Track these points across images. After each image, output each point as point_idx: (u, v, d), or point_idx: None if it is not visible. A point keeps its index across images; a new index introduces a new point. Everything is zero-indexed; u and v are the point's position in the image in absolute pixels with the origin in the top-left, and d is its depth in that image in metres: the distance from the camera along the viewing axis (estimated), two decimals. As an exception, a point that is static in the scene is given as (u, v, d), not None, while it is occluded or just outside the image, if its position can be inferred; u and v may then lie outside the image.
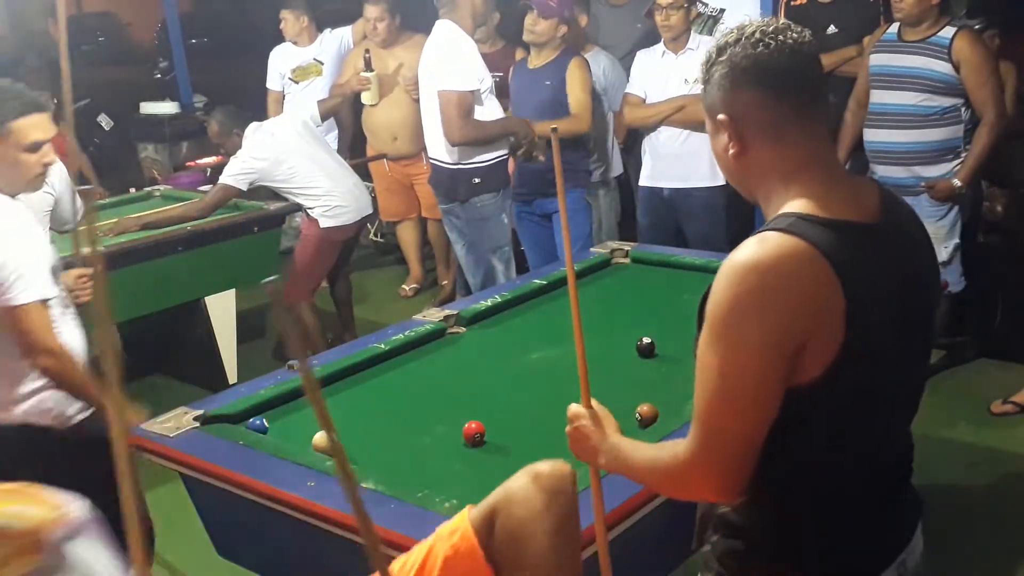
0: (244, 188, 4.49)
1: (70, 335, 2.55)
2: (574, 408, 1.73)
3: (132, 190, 5.63)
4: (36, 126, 2.54)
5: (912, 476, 1.64)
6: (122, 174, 6.73)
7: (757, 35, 1.49)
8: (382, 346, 2.88)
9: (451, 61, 4.04)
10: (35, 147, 2.54)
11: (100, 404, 2.39)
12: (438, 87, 4.07)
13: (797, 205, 1.45)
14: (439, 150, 4.25)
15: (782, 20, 1.56)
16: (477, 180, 4.20)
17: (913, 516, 1.64)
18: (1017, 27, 4.59)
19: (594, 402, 1.75)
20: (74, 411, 2.54)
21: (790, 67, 1.48)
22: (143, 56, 9.62)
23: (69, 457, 2.40)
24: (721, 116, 1.51)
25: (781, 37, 1.50)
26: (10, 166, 2.52)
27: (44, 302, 2.43)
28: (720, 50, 1.52)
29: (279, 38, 5.80)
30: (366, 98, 5.27)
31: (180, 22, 7.02)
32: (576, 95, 4.39)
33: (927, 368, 1.67)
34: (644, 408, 2.29)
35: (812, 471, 1.47)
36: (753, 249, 1.39)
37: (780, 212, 1.46)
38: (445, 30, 4.11)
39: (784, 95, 1.48)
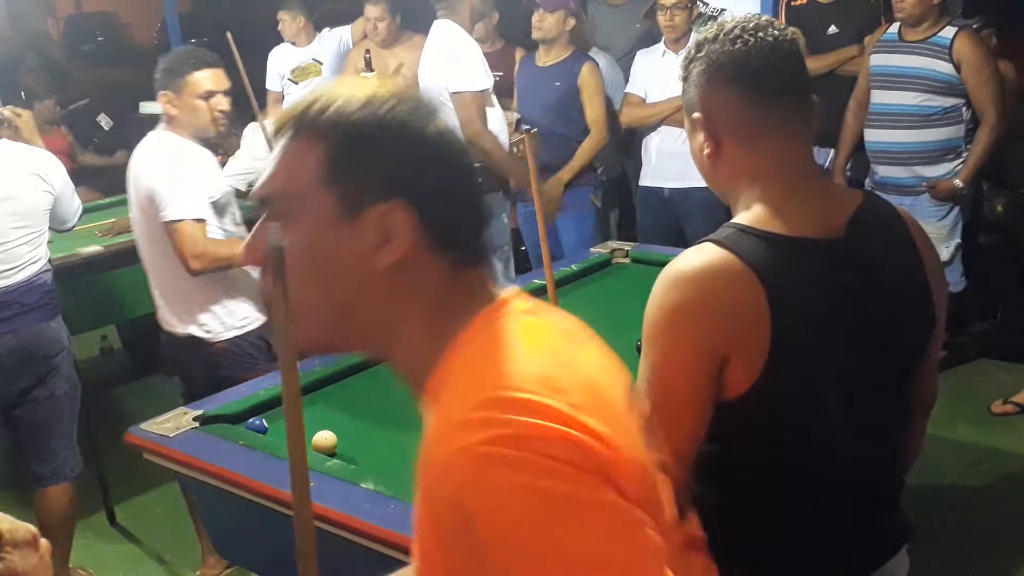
0: (243, 188, 4.48)
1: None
2: None
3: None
4: (208, 78, 3.05)
5: (893, 500, 1.56)
6: (121, 174, 6.71)
7: (736, 31, 1.44)
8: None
9: (458, 62, 4.01)
10: (207, 95, 3.04)
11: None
12: (450, 89, 4.02)
13: (746, 215, 1.42)
14: None
15: (765, 17, 1.48)
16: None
17: (893, 540, 1.56)
18: (1016, 26, 4.59)
19: None
20: (224, 330, 3.09)
21: (768, 65, 1.42)
22: (143, 56, 9.61)
23: (215, 364, 3.04)
24: (696, 114, 1.45)
25: (761, 34, 1.43)
26: (190, 112, 3.05)
27: (197, 221, 2.93)
28: (699, 46, 1.47)
29: (278, 38, 5.79)
30: (367, 98, 5.27)
31: (180, 22, 7.01)
32: (594, 109, 4.38)
33: (911, 385, 1.54)
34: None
35: (757, 485, 1.44)
36: (686, 259, 1.39)
37: (729, 221, 1.44)
38: (446, 30, 4.09)
39: (761, 94, 1.42)
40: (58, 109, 6.20)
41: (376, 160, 0.94)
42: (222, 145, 4.80)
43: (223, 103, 3.08)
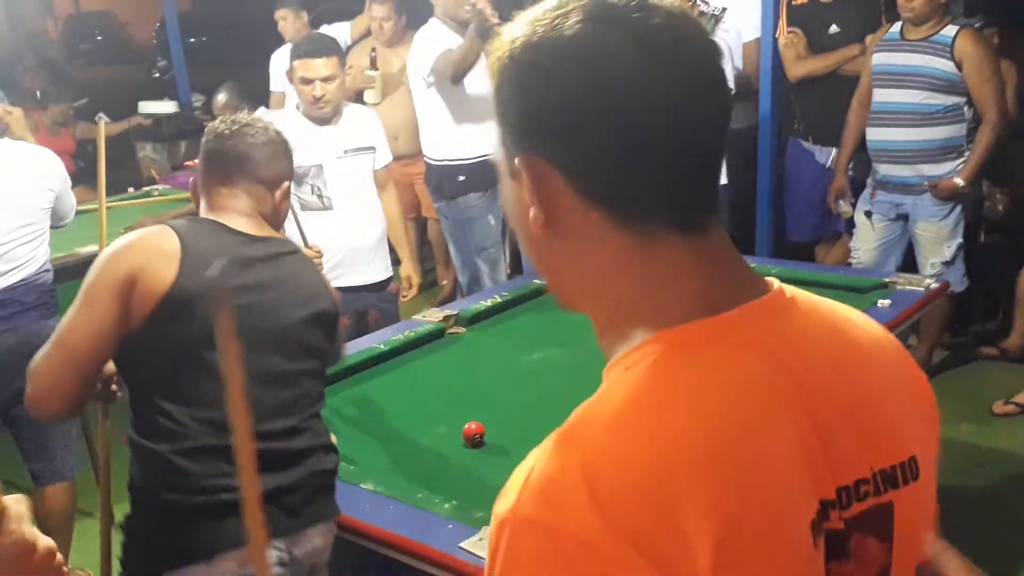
0: None
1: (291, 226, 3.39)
2: None
3: (130, 189, 5.62)
4: (307, 67, 3.44)
5: (301, 470, 1.89)
6: (121, 174, 6.72)
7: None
8: (382, 346, 2.87)
9: (427, 51, 4.12)
10: (305, 81, 3.44)
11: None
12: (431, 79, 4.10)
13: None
14: (429, 147, 4.29)
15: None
16: (462, 178, 4.20)
17: (309, 513, 1.90)
18: (1017, 25, 4.59)
19: None
20: None
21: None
22: (141, 55, 9.60)
23: None
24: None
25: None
26: (298, 93, 3.54)
27: None
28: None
29: (278, 37, 5.78)
30: (369, 97, 5.26)
31: (179, 21, 7.00)
32: None
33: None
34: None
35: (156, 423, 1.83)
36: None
37: None
38: (436, 29, 4.15)
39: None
40: (72, 112, 6.22)
41: (509, 108, 0.82)
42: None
43: (318, 89, 3.45)
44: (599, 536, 0.69)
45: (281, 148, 2.10)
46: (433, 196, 4.41)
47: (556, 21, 0.77)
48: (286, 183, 2.11)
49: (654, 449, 0.72)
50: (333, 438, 2.17)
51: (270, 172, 2.06)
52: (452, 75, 4.00)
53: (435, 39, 4.12)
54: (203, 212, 2.05)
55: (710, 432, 0.73)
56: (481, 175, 4.23)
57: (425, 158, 4.38)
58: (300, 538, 1.88)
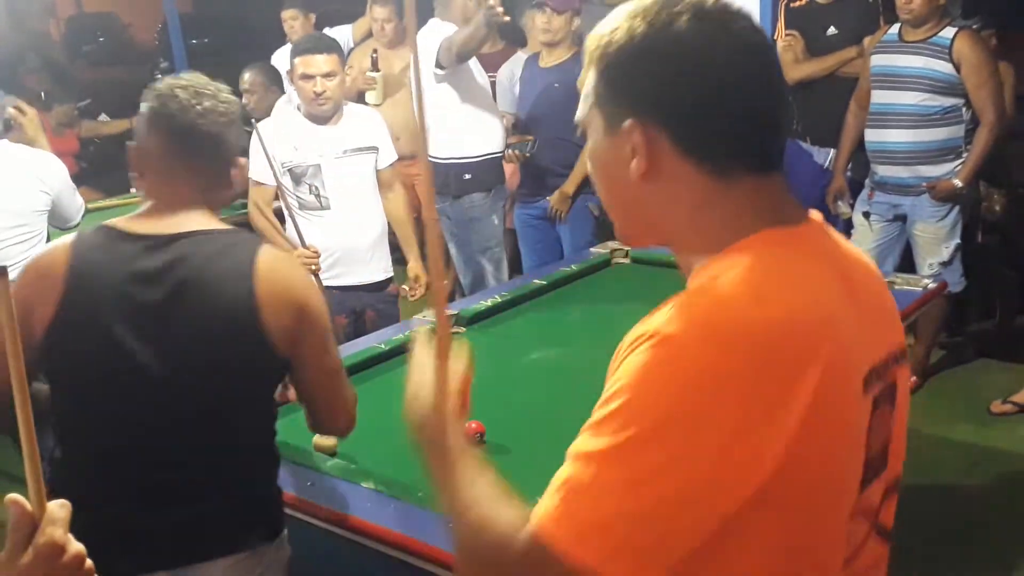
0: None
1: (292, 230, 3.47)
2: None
3: (132, 190, 5.63)
4: (308, 63, 3.47)
5: (184, 506, 1.74)
6: (123, 174, 6.73)
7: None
8: (382, 346, 2.88)
9: (431, 45, 4.05)
10: (305, 78, 3.47)
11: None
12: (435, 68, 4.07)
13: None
14: (434, 146, 4.24)
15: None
16: (468, 176, 4.19)
17: (190, 547, 1.75)
18: (1015, 27, 4.60)
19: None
20: None
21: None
22: (143, 56, 9.61)
23: None
24: None
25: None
26: (298, 91, 3.55)
27: (256, 183, 3.55)
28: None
29: (280, 39, 5.79)
30: (370, 98, 5.27)
31: (180, 22, 7.01)
32: None
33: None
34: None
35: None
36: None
37: None
38: (441, 30, 4.11)
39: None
40: (76, 113, 6.23)
41: (622, 81, 1.06)
42: (250, 101, 4.87)
43: (319, 86, 3.48)
44: (742, 366, 0.91)
45: (234, 117, 1.85)
46: (437, 196, 4.37)
47: (669, 18, 1.02)
48: (243, 159, 1.93)
49: (781, 304, 0.95)
50: (328, 441, 2.17)
51: (220, 149, 1.82)
52: (457, 53, 3.99)
53: (441, 35, 4.10)
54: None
55: (812, 300, 0.97)
56: (485, 174, 4.23)
57: (430, 156, 4.33)
58: (189, 572, 1.75)
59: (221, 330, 1.71)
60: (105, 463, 1.75)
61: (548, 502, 0.96)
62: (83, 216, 3.41)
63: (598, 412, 0.97)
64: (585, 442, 0.97)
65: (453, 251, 4.46)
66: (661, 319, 0.96)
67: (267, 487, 1.88)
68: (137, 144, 1.83)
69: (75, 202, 3.33)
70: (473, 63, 4.09)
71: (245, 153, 1.93)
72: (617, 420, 0.93)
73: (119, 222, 1.80)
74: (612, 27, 1.07)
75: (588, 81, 1.10)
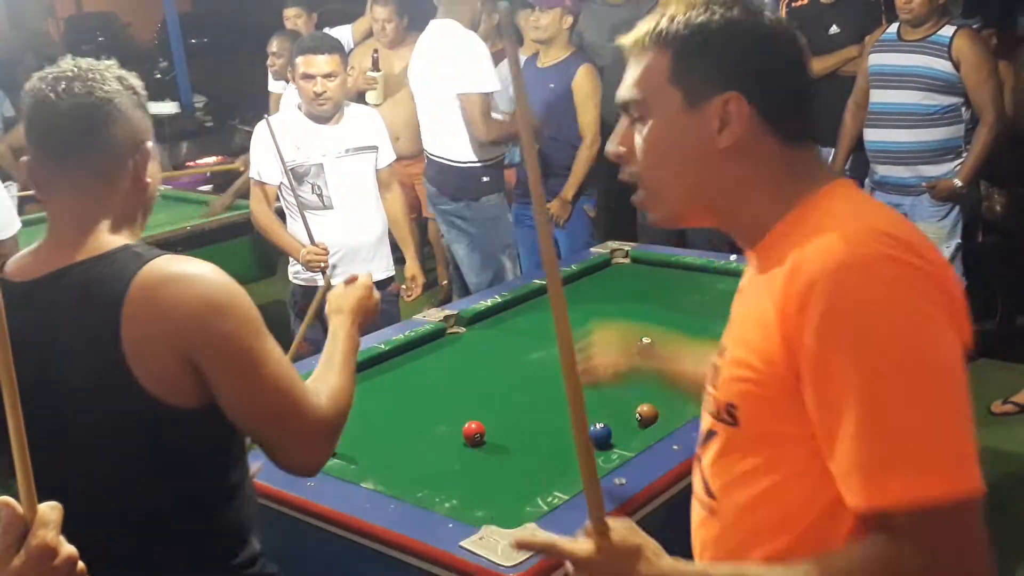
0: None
1: (294, 224, 3.59)
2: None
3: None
4: (310, 63, 3.51)
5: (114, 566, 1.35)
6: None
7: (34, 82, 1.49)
8: (382, 346, 2.88)
9: (469, 62, 3.98)
10: (307, 78, 3.51)
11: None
12: (458, 89, 3.99)
13: None
14: (448, 149, 4.14)
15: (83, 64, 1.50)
16: (486, 179, 4.17)
17: None
18: (1014, 26, 4.60)
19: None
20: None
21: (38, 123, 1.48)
22: (143, 56, 9.60)
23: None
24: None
25: (49, 88, 1.47)
26: (299, 90, 3.60)
27: (257, 183, 3.63)
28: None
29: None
30: (371, 98, 5.27)
31: (180, 22, 7.02)
32: (587, 114, 4.33)
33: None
34: (644, 408, 2.29)
35: None
36: None
37: None
38: (452, 30, 4.06)
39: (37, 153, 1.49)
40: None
41: (712, 59, 1.14)
42: (277, 69, 4.92)
43: (319, 86, 3.50)
44: (926, 266, 1.04)
45: (113, 97, 1.48)
46: (447, 198, 4.24)
47: (726, 7, 1.15)
48: (146, 143, 1.53)
49: (904, 226, 1.10)
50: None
51: (97, 140, 1.46)
52: (496, 139, 4.04)
53: (455, 41, 4.03)
54: None
55: (909, 230, 1.09)
56: (500, 175, 4.23)
57: (440, 159, 4.22)
58: None
59: (86, 398, 1.41)
60: None
61: (874, 474, 1.00)
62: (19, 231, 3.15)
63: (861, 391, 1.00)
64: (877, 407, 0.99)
65: (462, 253, 4.38)
66: (811, 270, 1.03)
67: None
68: (27, 159, 1.51)
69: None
70: (488, 63, 4.07)
71: (148, 137, 1.54)
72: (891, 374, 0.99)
73: (11, 261, 1.52)
74: (670, 15, 1.16)
75: (648, 61, 1.17)
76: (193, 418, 1.42)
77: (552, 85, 4.33)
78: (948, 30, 3.95)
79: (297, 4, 5.67)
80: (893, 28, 4.13)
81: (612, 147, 1.24)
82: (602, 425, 2.18)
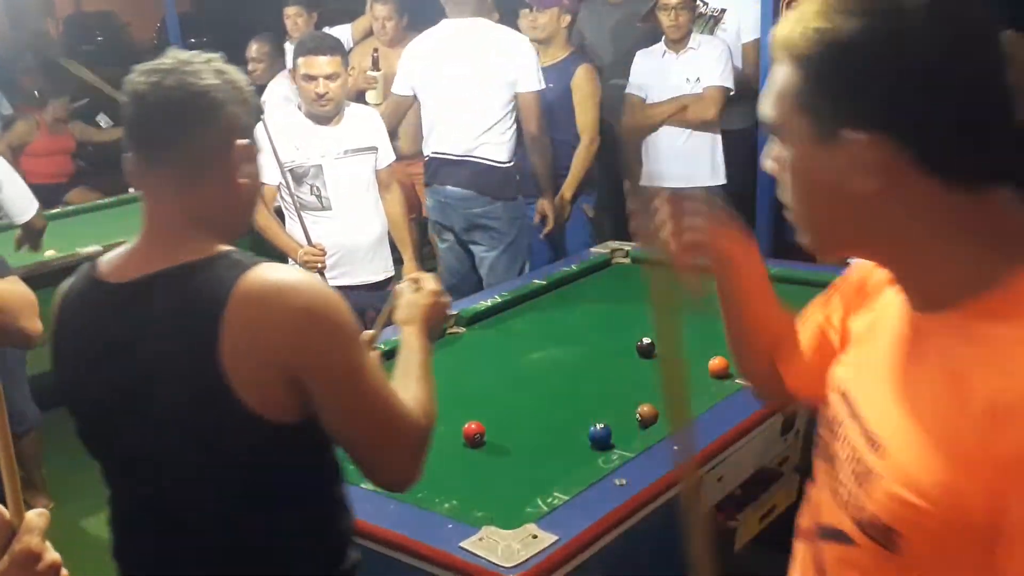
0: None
1: (292, 225, 3.58)
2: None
3: (131, 190, 5.63)
4: (311, 64, 3.49)
5: None
6: (121, 174, 6.72)
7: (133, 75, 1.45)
8: (382, 346, 2.87)
9: (528, 61, 3.99)
10: (308, 79, 3.50)
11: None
12: (519, 88, 4.00)
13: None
14: (493, 150, 4.07)
15: (183, 56, 1.44)
16: (519, 177, 4.16)
17: None
18: (1013, 26, 4.59)
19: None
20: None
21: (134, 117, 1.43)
22: (142, 56, 9.58)
23: None
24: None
25: (143, 79, 1.43)
26: (300, 91, 3.61)
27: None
28: None
29: (279, 37, 5.78)
30: (371, 97, 5.26)
31: (179, 22, 7.01)
32: (585, 114, 4.32)
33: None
34: (644, 408, 2.29)
35: None
36: None
37: None
38: (493, 28, 4.03)
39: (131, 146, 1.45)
40: (71, 107, 6.23)
41: (847, 89, 0.90)
42: (255, 70, 4.96)
43: (320, 87, 3.50)
44: None
45: (210, 89, 1.41)
46: (485, 200, 4.12)
47: (899, 10, 0.88)
48: (241, 140, 1.45)
49: None
50: None
51: (187, 128, 1.41)
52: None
53: (527, 43, 4.03)
54: None
55: None
56: (523, 176, 4.21)
57: (488, 161, 4.11)
58: None
59: (182, 411, 1.38)
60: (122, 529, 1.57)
61: None
62: (37, 213, 3.43)
63: None
64: None
65: (491, 255, 4.21)
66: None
67: None
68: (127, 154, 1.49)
69: (17, 197, 3.35)
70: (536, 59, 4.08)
71: (246, 135, 1.46)
72: None
73: (103, 261, 1.50)
74: (826, 18, 0.91)
75: (783, 76, 0.96)
76: (291, 433, 1.39)
77: (551, 85, 4.32)
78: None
79: (297, 3, 5.67)
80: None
81: (767, 163, 1.04)
82: (602, 425, 2.18)
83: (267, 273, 1.37)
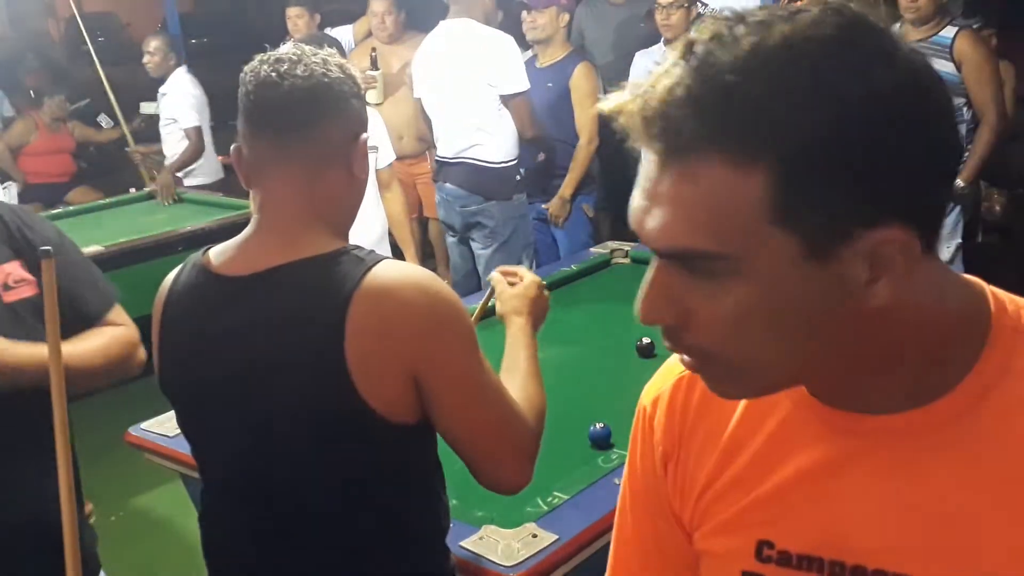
0: None
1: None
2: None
3: (132, 190, 5.64)
4: None
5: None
6: (121, 174, 6.74)
7: (255, 64, 1.41)
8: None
9: (512, 64, 3.99)
10: None
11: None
12: (504, 91, 3.99)
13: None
14: (486, 150, 4.08)
15: (303, 50, 1.42)
16: (518, 176, 4.16)
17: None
18: (1016, 26, 4.60)
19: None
20: None
21: (255, 101, 1.39)
22: (142, 56, 9.62)
23: None
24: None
25: (266, 68, 1.39)
26: None
27: None
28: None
29: (279, 39, 5.78)
30: (371, 97, 5.27)
31: (180, 22, 7.02)
32: (584, 113, 4.30)
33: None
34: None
35: None
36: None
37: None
38: (481, 31, 4.02)
39: (251, 130, 1.41)
40: (68, 106, 6.25)
41: (854, 173, 0.67)
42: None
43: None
44: None
45: (336, 82, 1.40)
46: (478, 200, 4.14)
47: (863, 64, 0.71)
48: (362, 136, 1.44)
49: None
50: None
51: (315, 117, 1.39)
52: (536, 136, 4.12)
53: (513, 44, 4.02)
54: None
55: None
56: (524, 173, 4.23)
57: (481, 162, 4.13)
58: None
59: (303, 409, 1.37)
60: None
61: None
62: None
63: None
64: None
65: (487, 253, 4.25)
66: None
67: None
68: (237, 144, 1.45)
69: None
70: (523, 65, 4.09)
71: (365, 129, 1.45)
72: None
73: (215, 252, 1.47)
74: (799, 105, 0.66)
75: (700, 187, 0.69)
76: (411, 434, 1.39)
77: (550, 84, 4.33)
78: (950, 31, 3.96)
79: (299, 4, 5.68)
80: (894, 28, 4.13)
81: (650, 316, 0.76)
82: (602, 425, 2.18)
83: (392, 270, 1.37)
